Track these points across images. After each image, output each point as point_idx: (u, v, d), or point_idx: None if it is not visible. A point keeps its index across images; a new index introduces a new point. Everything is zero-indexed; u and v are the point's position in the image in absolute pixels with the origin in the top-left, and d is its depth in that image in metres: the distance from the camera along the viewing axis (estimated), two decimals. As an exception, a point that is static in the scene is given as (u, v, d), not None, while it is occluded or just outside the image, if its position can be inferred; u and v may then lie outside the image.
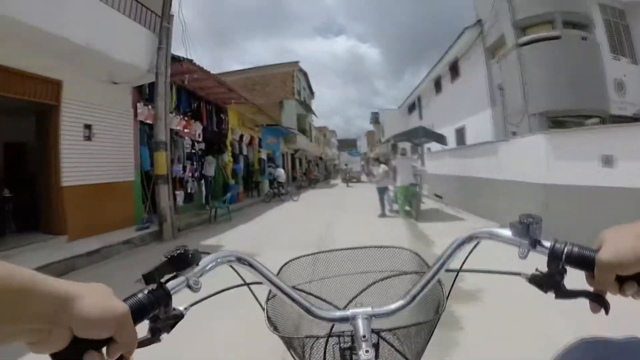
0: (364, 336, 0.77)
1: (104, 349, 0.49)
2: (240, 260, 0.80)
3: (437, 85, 22.40)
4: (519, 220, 0.70)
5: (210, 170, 13.57)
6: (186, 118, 12.65)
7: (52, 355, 0.46)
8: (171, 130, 11.74)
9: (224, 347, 3.29)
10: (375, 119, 46.92)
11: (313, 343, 1.04)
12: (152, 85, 10.95)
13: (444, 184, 13.21)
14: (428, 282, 0.81)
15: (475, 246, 0.82)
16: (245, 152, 18.04)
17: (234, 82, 27.68)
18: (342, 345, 0.96)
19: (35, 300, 0.43)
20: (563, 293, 0.67)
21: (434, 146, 14.89)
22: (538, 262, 0.70)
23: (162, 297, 0.60)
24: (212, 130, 14.48)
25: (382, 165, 11.21)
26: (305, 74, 35.45)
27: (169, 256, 0.65)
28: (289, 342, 0.97)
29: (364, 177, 41.86)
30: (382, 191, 11.07)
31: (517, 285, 0.90)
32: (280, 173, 18.26)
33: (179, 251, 0.66)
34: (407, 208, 10.66)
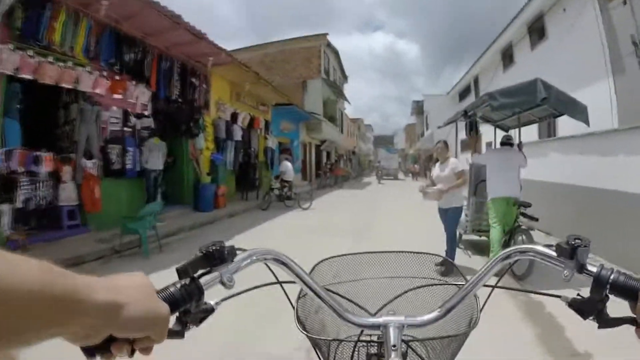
0: (394, 345, 0.77)
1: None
2: (275, 259, 0.79)
3: (507, 57, 16.64)
4: (566, 241, 0.68)
5: (154, 160, 8.59)
6: (117, 77, 7.80)
7: (83, 348, 0.47)
8: (82, 93, 7.09)
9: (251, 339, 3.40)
10: (418, 108, 40.55)
11: (340, 345, 1.01)
12: (36, 15, 6.35)
13: (543, 198, 7.85)
14: (464, 295, 0.80)
15: (514, 263, 0.80)
16: (238, 138, 13.01)
17: (248, 60, 22.86)
18: (369, 350, 0.96)
19: (84, 311, 0.43)
20: (606, 321, 0.64)
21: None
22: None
23: (195, 291, 0.60)
24: (172, 101, 9.54)
25: (453, 160, 5.48)
26: (336, 52, 29.95)
27: (204, 251, 0.65)
28: (316, 342, 0.97)
29: (401, 175, 39.01)
30: (452, 217, 5.50)
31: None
32: (287, 168, 13.08)
33: (214, 247, 0.66)
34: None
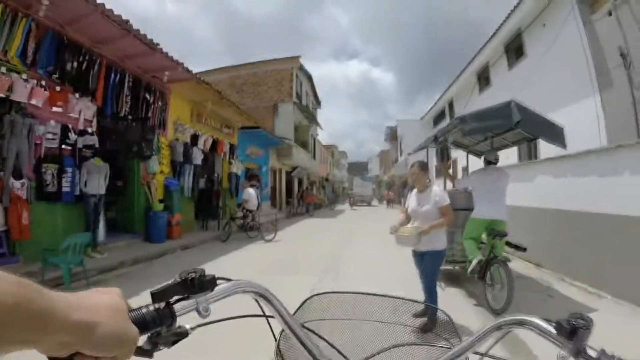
0: None
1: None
2: (257, 292, 0.73)
3: (482, 78, 16.44)
4: (567, 319, 0.62)
5: (94, 184, 7.48)
6: (57, 87, 6.89)
7: (49, 357, 0.46)
8: (17, 104, 6.22)
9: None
10: (392, 134, 40.41)
11: None
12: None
13: (530, 226, 7.16)
14: None
15: (507, 332, 0.73)
16: (198, 162, 12.02)
17: (219, 82, 22.09)
18: None
19: (60, 329, 0.42)
20: None
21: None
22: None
23: (167, 317, 0.57)
24: (121, 118, 8.59)
25: (435, 189, 4.07)
26: (309, 77, 29.50)
27: (182, 278, 0.61)
28: None
29: (375, 202, 40.21)
30: (431, 264, 3.99)
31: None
32: (251, 195, 12.01)
33: (193, 275, 0.62)
34: (479, 258, 5.02)
